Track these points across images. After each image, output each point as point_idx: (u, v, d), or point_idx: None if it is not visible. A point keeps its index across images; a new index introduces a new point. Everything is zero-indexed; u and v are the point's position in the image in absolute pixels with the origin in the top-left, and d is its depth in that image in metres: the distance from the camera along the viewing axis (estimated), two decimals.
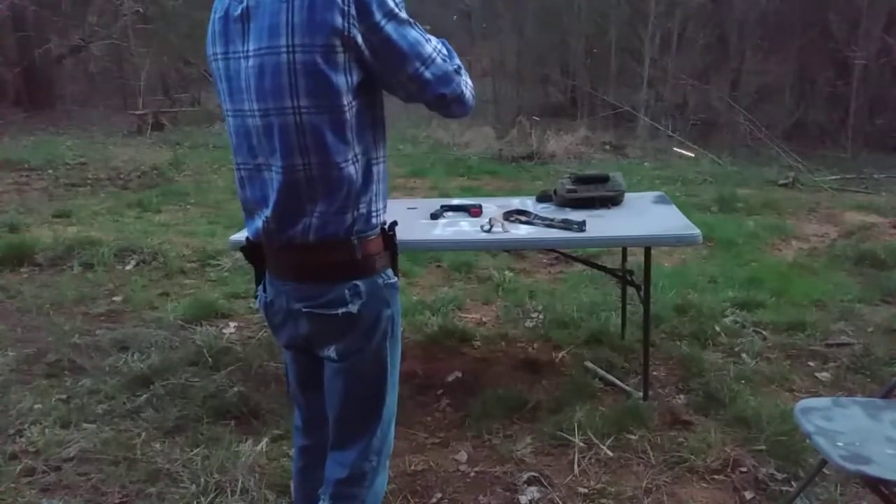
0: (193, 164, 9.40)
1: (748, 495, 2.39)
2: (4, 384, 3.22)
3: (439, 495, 2.44)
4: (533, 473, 2.51)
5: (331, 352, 1.59)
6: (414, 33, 1.47)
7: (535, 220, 2.96)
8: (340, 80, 1.43)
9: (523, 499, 2.40)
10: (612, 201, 3.22)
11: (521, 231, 2.89)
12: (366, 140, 1.51)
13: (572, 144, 10.84)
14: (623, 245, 3.47)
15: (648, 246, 2.98)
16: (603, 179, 3.25)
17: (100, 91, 15.96)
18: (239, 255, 4.90)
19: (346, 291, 1.52)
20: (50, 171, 8.57)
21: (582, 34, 15.10)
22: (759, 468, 2.51)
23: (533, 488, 2.45)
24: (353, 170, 1.48)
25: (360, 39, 1.41)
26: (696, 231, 2.80)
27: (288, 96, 1.43)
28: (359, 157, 1.49)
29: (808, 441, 1.97)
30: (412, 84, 1.49)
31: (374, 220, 1.55)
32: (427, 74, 1.49)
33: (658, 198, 3.44)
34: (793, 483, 2.41)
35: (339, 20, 1.39)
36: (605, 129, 12.60)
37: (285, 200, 1.49)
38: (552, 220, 2.94)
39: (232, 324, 3.95)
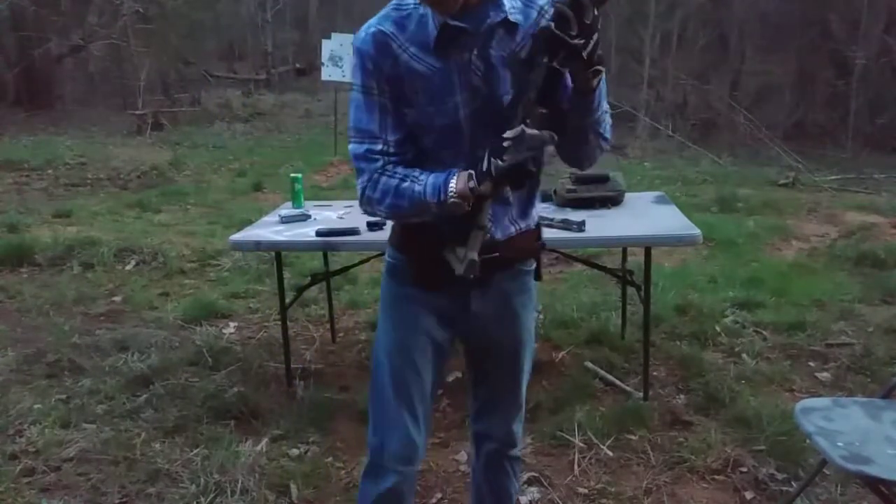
0: (193, 164, 9.40)
1: (748, 495, 2.39)
2: (4, 384, 3.22)
3: (439, 495, 2.44)
4: (533, 473, 2.51)
5: None
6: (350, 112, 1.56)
7: None
8: None
9: (523, 499, 2.39)
10: (612, 201, 3.22)
11: None
12: None
13: None
14: (623, 245, 3.46)
15: (648, 246, 2.97)
16: (603, 179, 3.25)
17: (100, 91, 15.93)
18: (239, 254, 4.91)
19: None
20: (50, 171, 8.57)
21: None
22: (759, 468, 2.50)
23: (533, 488, 2.44)
24: None
25: None
26: (696, 231, 2.80)
27: None
28: None
29: (808, 441, 1.97)
30: None
31: None
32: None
33: (658, 198, 3.43)
34: (793, 483, 2.40)
35: None
36: None
37: None
38: (552, 220, 2.93)
39: (232, 324, 3.95)
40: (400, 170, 1.51)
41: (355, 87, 1.51)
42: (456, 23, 1.44)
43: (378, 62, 1.48)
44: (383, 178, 1.50)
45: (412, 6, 1.48)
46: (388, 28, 1.48)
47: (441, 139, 1.51)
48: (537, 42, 1.35)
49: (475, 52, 1.46)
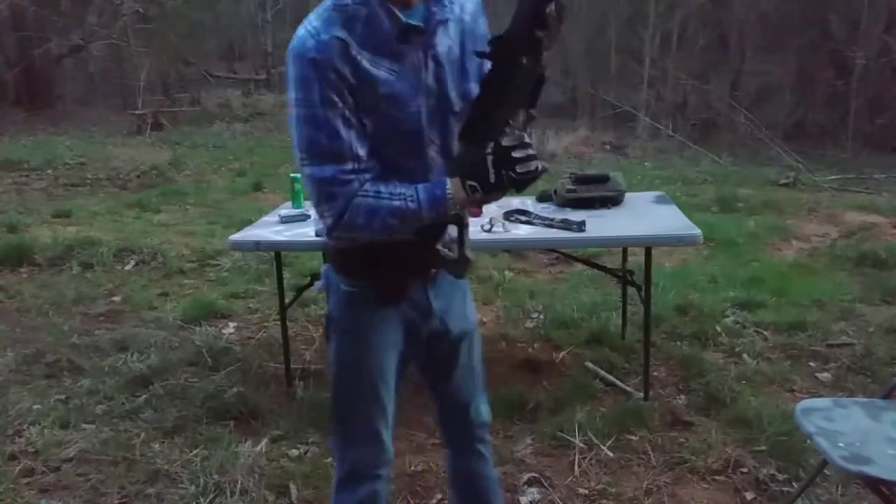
0: (193, 164, 9.40)
1: (749, 496, 2.38)
2: (4, 384, 3.22)
3: (439, 496, 2.43)
4: (533, 474, 2.50)
5: None
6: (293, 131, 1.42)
7: (535, 220, 2.95)
8: None
9: (524, 500, 2.39)
10: (613, 201, 3.21)
11: (521, 231, 2.89)
12: None
13: (572, 144, 10.84)
14: (623, 245, 3.46)
15: (649, 246, 2.97)
16: (603, 179, 3.25)
17: (99, 91, 15.94)
18: (238, 255, 4.91)
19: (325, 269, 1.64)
20: (49, 171, 8.57)
21: (582, 34, 15.10)
22: (759, 469, 2.50)
23: (533, 489, 2.44)
24: None
25: None
26: (697, 231, 2.79)
27: None
28: None
29: (809, 441, 1.96)
30: None
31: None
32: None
33: (658, 198, 3.43)
34: (794, 484, 2.40)
35: None
36: (605, 129, 12.62)
37: None
38: (552, 220, 2.93)
39: (231, 324, 3.94)
40: (383, 188, 1.41)
41: (308, 102, 1.36)
42: (412, 21, 1.40)
43: (340, 70, 1.35)
44: (366, 201, 1.40)
45: (353, 4, 1.37)
46: (340, 33, 1.35)
47: (402, 145, 1.45)
48: (523, 46, 1.31)
49: (427, 50, 1.44)
